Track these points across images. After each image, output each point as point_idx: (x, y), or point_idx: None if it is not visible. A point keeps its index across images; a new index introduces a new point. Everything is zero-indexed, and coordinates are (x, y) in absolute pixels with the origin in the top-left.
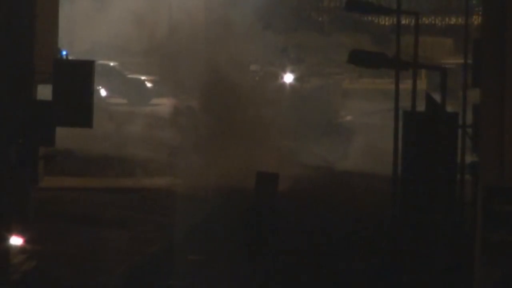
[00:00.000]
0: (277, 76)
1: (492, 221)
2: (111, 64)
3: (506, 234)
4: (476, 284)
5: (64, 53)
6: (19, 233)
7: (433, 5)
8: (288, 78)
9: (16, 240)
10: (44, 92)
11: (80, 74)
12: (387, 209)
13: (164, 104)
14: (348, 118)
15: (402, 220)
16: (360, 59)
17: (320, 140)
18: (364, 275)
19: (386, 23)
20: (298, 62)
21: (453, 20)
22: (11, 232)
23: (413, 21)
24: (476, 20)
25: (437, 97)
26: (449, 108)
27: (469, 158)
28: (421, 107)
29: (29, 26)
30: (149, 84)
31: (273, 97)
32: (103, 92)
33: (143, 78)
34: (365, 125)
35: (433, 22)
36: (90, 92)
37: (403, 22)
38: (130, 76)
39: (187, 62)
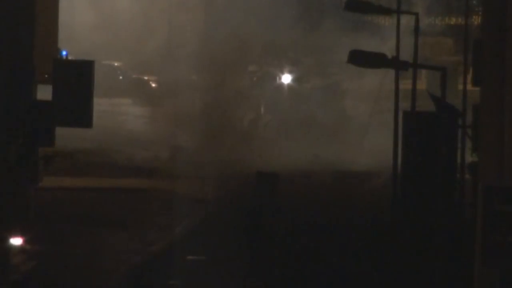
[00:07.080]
0: (275, 77)
1: (492, 221)
2: (116, 64)
3: (506, 234)
4: (476, 284)
5: (64, 53)
6: (19, 233)
7: (433, 5)
8: (286, 78)
9: (16, 240)
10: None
11: (80, 74)
12: (387, 209)
13: (166, 104)
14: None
15: (402, 220)
16: (360, 59)
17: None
18: (364, 275)
19: (386, 23)
20: (296, 63)
21: (453, 20)
22: (11, 232)
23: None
24: (476, 20)
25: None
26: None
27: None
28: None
29: (29, 26)
30: (153, 84)
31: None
32: None
33: (146, 78)
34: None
35: (433, 22)
36: (90, 92)
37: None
38: (134, 76)
39: (186, 62)
